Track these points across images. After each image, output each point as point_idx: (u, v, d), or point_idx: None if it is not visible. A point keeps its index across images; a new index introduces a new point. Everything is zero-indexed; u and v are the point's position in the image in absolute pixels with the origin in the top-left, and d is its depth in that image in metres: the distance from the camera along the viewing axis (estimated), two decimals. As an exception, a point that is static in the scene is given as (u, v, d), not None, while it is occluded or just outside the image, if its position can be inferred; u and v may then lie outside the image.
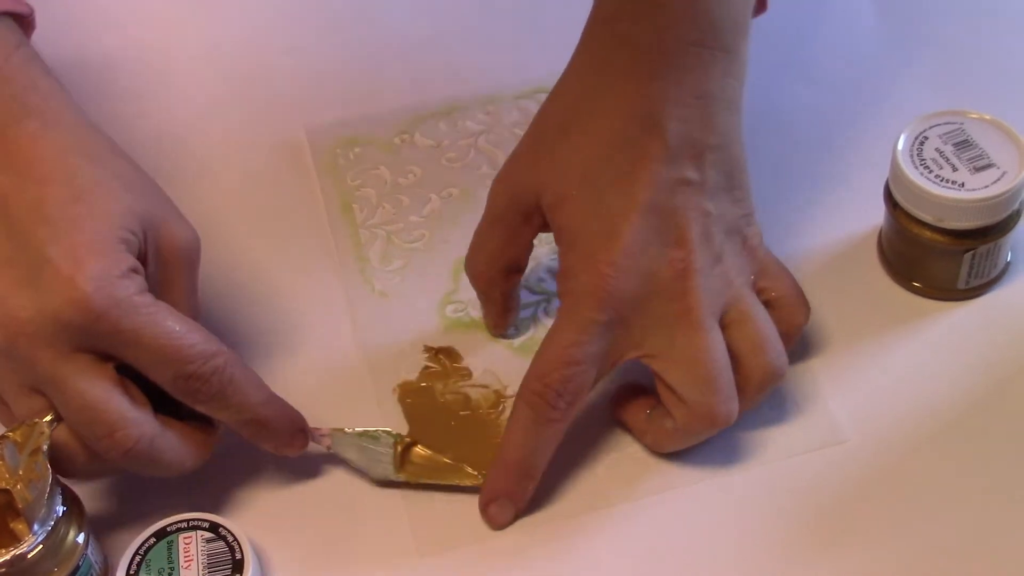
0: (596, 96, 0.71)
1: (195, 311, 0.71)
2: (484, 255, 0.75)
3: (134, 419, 0.66)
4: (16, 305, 0.65)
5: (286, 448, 0.71)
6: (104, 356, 0.66)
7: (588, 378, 0.70)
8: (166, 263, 0.69)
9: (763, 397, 0.72)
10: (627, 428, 0.74)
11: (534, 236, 0.74)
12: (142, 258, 0.68)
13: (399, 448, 0.72)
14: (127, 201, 0.68)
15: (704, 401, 0.69)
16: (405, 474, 0.72)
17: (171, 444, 0.68)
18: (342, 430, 0.72)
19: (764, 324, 0.71)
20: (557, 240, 0.72)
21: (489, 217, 0.74)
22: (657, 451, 0.73)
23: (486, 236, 0.75)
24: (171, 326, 0.66)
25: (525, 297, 0.79)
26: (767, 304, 0.72)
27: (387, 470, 0.72)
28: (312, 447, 0.72)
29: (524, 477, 0.71)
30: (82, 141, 0.69)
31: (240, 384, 0.68)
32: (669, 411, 0.71)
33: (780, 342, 0.71)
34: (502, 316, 0.77)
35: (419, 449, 0.73)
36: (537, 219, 0.73)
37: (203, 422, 0.70)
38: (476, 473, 0.72)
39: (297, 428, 0.71)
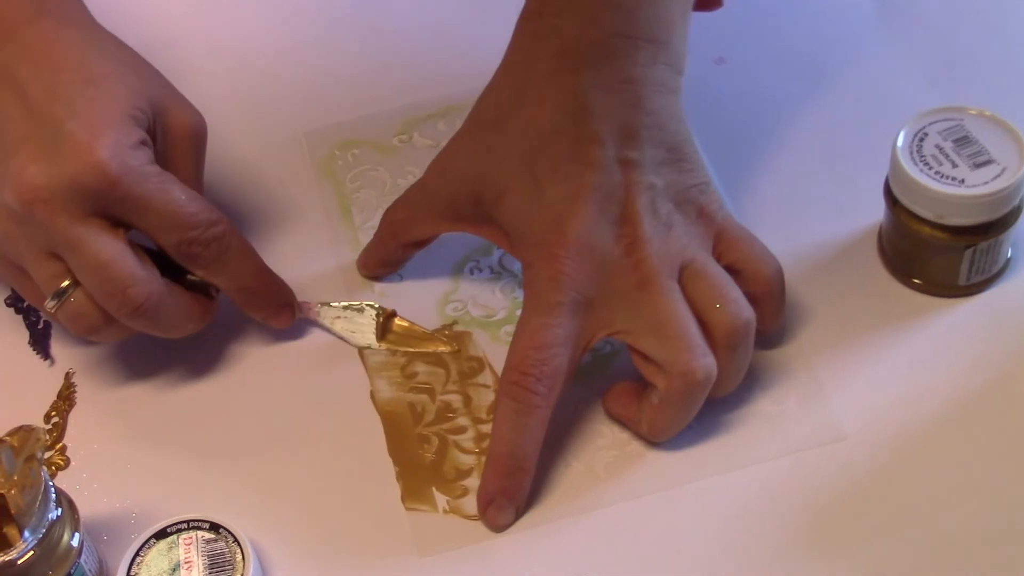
0: (526, 88, 0.73)
1: (199, 188, 0.75)
2: (403, 213, 0.78)
3: (144, 277, 0.71)
4: (34, 173, 0.70)
5: (274, 319, 0.77)
6: (115, 223, 0.71)
7: (562, 361, 0.70)
8: (173, 142, 0.74)
9: (737, 356, 0.71)
10: (623, 421, 0.74)
11: (449, 230, 0.77)
12: (151, 135, 0.73)
13: (381, 319, 0.77)
14: (136, 84, 0.73)
15: (679, 359, 0.70)
16: (386, 343, 0.77)
17: (177, 303, 0.73)
18: (328, 303, 0.78)
19: (719, 278, 0.72)
20: (506, 237, 0.73)
21: (421, 189, 0.77)
22: (654, 438, 0.73)
23: (413, 201, 0.77)
24: (177, 195, 0.72)
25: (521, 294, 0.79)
26: (732, 268, 0.73)
27: (369, 339, 0.77)
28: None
29: (516, 470, 0.71)
30: (93, 36, 0.75)
31: (236, 252, 0.74)
32: (652, 383, 0.71)
33: (740, 295, 0.72)
34: (377, 265, 0.80)
35: (399, 320, 0.78)
36: (467, 212, 0.74)
37: (204, 294, 0.75)
38: (449, 344, 0.77)
39: (285, 302, 0.77)
